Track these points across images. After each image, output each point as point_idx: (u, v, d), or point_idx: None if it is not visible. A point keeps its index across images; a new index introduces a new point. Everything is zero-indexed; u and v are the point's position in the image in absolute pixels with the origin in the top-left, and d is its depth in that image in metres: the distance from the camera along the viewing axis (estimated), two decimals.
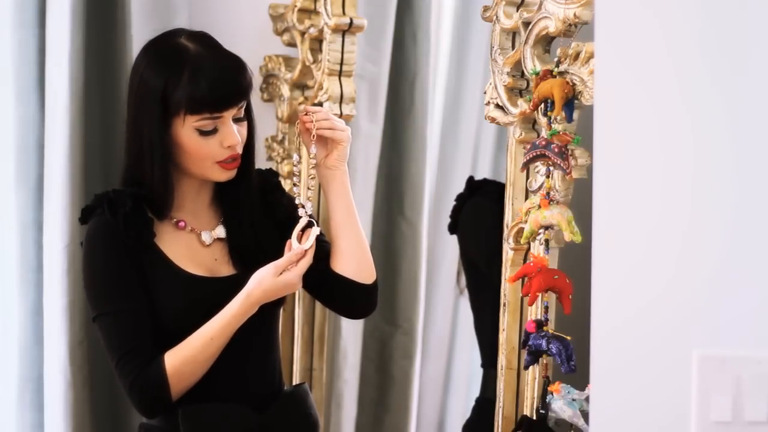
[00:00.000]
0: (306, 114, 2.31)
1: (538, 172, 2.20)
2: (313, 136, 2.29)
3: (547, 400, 2.16)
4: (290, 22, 2.93)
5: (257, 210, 2.34)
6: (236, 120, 2.25)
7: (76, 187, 2.77)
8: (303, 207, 2.29)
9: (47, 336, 2.80)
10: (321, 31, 2.81)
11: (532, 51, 2.21)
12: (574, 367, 2.08)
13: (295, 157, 2.36)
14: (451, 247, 3.18)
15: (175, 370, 2.19)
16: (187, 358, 2.20)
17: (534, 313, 2.20)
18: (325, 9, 2.78)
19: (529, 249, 2.25)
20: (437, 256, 3.28)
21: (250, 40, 2.97)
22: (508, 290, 2.28)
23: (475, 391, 2.79)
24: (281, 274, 2.22)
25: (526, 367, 2.19)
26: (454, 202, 2.78)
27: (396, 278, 3.16)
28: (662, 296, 1.63)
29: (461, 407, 3.33)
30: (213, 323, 2.21)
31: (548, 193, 2.14)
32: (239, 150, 2.26)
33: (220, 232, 2.32)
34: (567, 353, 2.09)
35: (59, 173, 2.76)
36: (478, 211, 2.69)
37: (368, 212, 3.12)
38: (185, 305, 2.24)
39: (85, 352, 2.79)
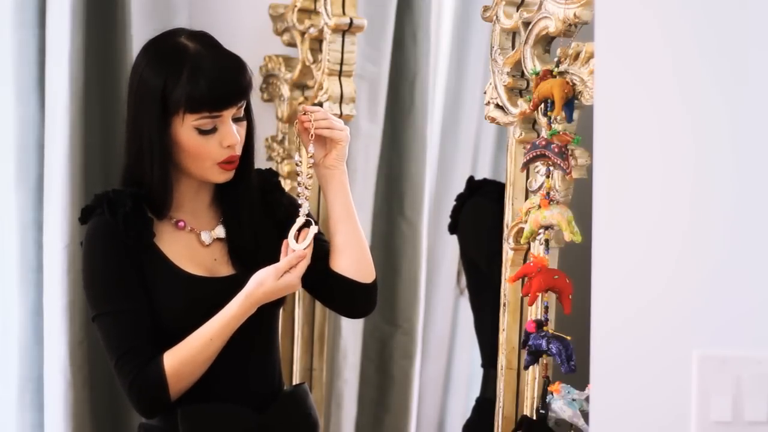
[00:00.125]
0: (304, 114, 2.31)
1: (538, 172, 2.20)
2: (312, 135, 2.29)
3: (547, 400, 2.16)
4: (290, 22, 2.93)
5: (257, 210, 2.34)
6: (236, 120, 2.25)
7: (76, 187, 2.77)
8: (300, 206, 2.29)
9: (47, 336, 2.80)
10: (321, 31, 2.81)
11: (532, 51, 2.21)
12: (574, 367, 2.08)
13: (297, 157, 2.37)
14: (451, 247, 3.18)
15: (174, 370, 2.19)
16: (186, 358, 2.20)
17: (534, 313, 2.20)
18: (325, 9, 2.78)
19: (529, 249, 2.25)
20: (437, 256, 3.28)
21: (250, 40, 2.97)
22: (508, 290, 2.28)
23: (475, 391, 2.79)
24: (282, 276, 2.23)
25: (526, 367, 2.19)
26: (454, 202, 2.78)
27: (396, 278, 3.16)
28: (662, 296, 1.63)
29: (461, 407, 3.33)
30: (212, 324, 2.21)
31: (548, 193, 2.14)
32: (238, 151, 2.26)
33: (220, 232, 2.32)
34: (567, 353, 2.09)
35: (59, 173, 2.76)
36: (479, 211, 2.69)
37: (368, 212, 3.12)
38: (185, 305, 2.24)
39: (85, 352, 2.79)
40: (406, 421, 3.20)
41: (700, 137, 1.62)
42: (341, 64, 2.78)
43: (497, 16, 2.29)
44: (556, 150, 2.08)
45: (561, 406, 2.13)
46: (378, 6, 3.06)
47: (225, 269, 2.30)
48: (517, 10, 2.26)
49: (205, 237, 2.30)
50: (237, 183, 2.30)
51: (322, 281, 2.31)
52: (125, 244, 2.22)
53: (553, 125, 2.12)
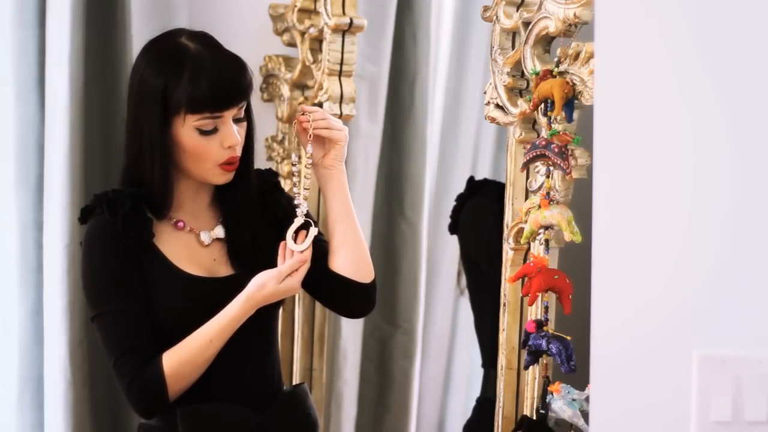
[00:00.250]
0: (303, 114, 2.31)
1: (538, 172, 2.20)
2: (310, 135, 2.29)
3: (547, 400, 2.16)
4: (290, 22, 2.93)
5: (256, 210, 2.34)
6: (236, 120, 2.25)
7: (76, 187, 2.77)
8: (298, 206, 2.30)
9: (47, 336, 2.80)
10: (321, 31, 2.81)
11: (532, 51, 2.21)
12: (574, 367, 2.08)
13: (294, 157, 2.37)
14: (451, 247, 3.18)
15: (174, 370, 2.19)
16: (185, 359, 2.19)
17: (534, 313, 2.20)
18: (325, 9, 2.78)
19: (529, 249, 2.25)
20: (437, 256, 3.28)
21: (250, 40, 2.97)
22: (508, 290, 2.28)
23: (475, 391, 2.79)
24: (283, 280, 2.23)
25: (526, 367, 2.19)
26: (455, 202, 2.78)
27: (396, 278, 3.16)
28: (662, 296, 1.63)
29: (461, 407, 3.33)
30: (212, 325, 2.21)
31: (548, 193, 2.14)
32: (239, 151, 2.26)
33: (219, 232, 2.32)
34: (567, 353, 2.09)
35: (59, 173, 2.76)
36: (479, 211, 2.69)
37: (368, 212, 3.12)
38: (184, 305, 2.24)
39: (85, 352, 2.79)
40: (406, 421, 3.20)
41: (700, 137, 1.62)
42: (341, 64, 2.78)
43: (497, 16, 2.29)
44: (556, 150, 2.08)
45: (561, 406, 2.13)
46: (378, 6, 3.06)
47: (224, 269, 2.30)
48: (517, 10, 2.26)
49: (205, 237, 2.30)
50: (236, 183, 2.30)
51: (321, 281, 2.32)
52: (124, 244, 2.22)
53: (553, 125, 2.12)
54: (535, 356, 2.15)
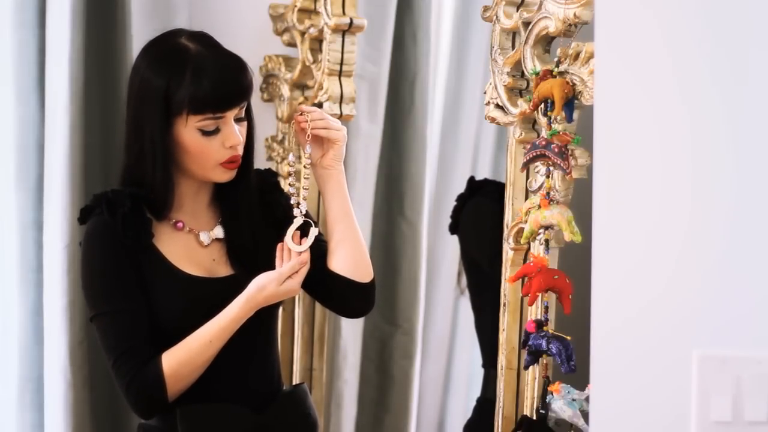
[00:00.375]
0: (301, 114, 2.31)
1: (538, 172, 2.20)
2: (308, 136, 2.30)
3: (547, 400, 2.16)
4: (290, 22, 2.93)
5: (256, 210, 2.34)
6: (237, 120, 2.25)
7: (76, 187, 2.77)
8: (297, 207, 2.30)
9: (47, 336, 2.80)
10: (321, 31, 2.81)
11: (532, 51, 2.21)
12: (574, 367, 2.08)
13: (292, 157, 2.37)
14: (451, 247, 3.18)
15: (173, 371, 2.19)
16: (184, 359, 2.19)
17: (534, 313, 2.20)
18: (325, 9, 2.78)
19: (529, 249, 2.25)
20: (437, 256, 3.28)
21: (250, 40, 2.97)
22: (508, 290, 2.28)
23: (475, 391, 2.79)
24: (284, 282, 2.23)
25: (526, 367, 2.19)
26: (455, 203, 2.78)
27: (396, 278, 3.16)
28: (662, 296, 1.63)
29: (461, 407, 3.33)
30: (212, 325, 2.21)
31: (548, 193, 2.14)
32: (240, 150, 2.26)
33: (219, 232, 2.32)
34: (567, 353, 2.09)
35: (59, 173, 2.76)
36: (480, 211, 2.69)
37: (368, 212, 3.12)
38: (183, 306, 2.24)
39: (85, 352, 2.79)
40: (406, 421, 3.20)
41: (700, 137, 1.62)
42: (341, 64, 2.77)
43: (497, 16, 2.29)
44: (556, 150, 2.08)
45: (561, 406, 2.13)
46: (378, 6, 3.06)
47: (224, 270, 2.30)
48: (517, 10, 2.26)
49: (204, 237, 2.30)
50: (236, 183, 2.30)
51: (320, 281, 2.31)
52: (124, 244, 2.22)
53: (553, 125, 2.12)
54: (535, 356, 2.15)
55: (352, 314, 2.52)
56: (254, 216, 2.33)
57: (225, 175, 2.27)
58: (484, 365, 2.73)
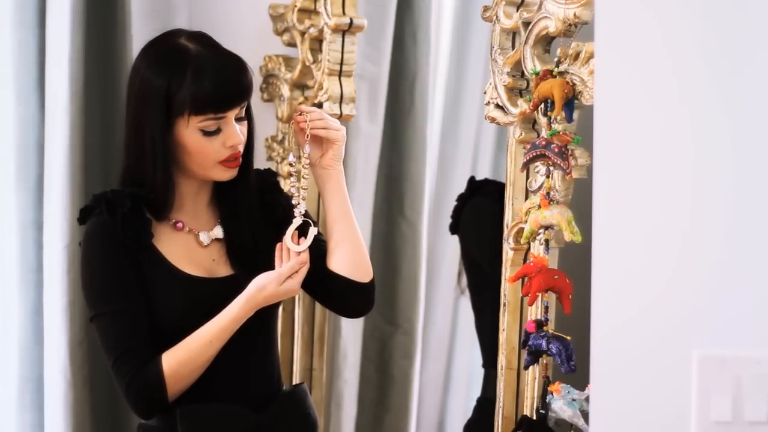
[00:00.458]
0: (300, 114, 2.31)
1: (538, 172, 2.20)
2: (307, 135, 2.30)
3: (547, 400, 2.16)
4: (290, 22, 2.93)
5: (255, 210, 2.34)
6: (237, 119, 2.25)
7: (76, 187, 2.77)
8: (296, 206, 2.30)
9: (47, 336, 2.80)
10: (321, 31, 2.81)
11: (532, 51, 2.21)
12: (574, 367, 2.08)
13: (291, 157, 2.37)
14: (451, 247, 3.18)
15: (173, 371, 2.19)
16: (184, 359, 2.19)
17: (534, 313, 2.20)
18: (325, 9, 2.78)
19: (529, 249, 2.25)
20: (437, 256, 3.28)
21: (250, 40, 2.96)
22: (508, 290, 2.28)
23: (475, 391, 2.79)
24: (284, 282, 2.23)
25: (526, 367, 2.19)
26: (456, 203, 2.78)
27: (396, 278, 3.16)
28: (662, 296, 1.63)
29: (461, 407, 3.33)
30: (212, 326, 2.21)
31: (548, 193, 2.14)
32: (240, 148, 2.26)
33: (218, 232, 2.32)
34: (567, 353, 2.09)
35: (59, 173, 2.76)
36: (480, 211, 2.69)
37: (368, 212, 3.12)
38: (183, 306, 2.24)
39: (85, 352, 2.79)
40: (406, 421, 3.20)
41: (700, 137, 1.62)
42: (341, 64, 2.77)
43: (497, 16, 2.29)
44: (556, 150, 2.08)
45: (561, 406, 2.13)
46: (378, 6, 3.06)
47: (223, 270, 2.30)
48: (517, 10, 2.26)
49: (204, 237, 2.30)
50: (236, 183, 2.30)
51: (320, 281, 2.31)
52: (123, 245, 2.22)
53: (553, 125, 2.12)
54: (535, 356, 2.15)
55: (351, 314, 2.52)
56: (254, 216, 2.33)
57: (226, 174, 2.27)
58: (484, 365, 2.73)
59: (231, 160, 2.25)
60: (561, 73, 2.12)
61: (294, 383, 2.83)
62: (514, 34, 2.29)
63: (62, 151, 2.76)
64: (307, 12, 2.89)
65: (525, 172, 2.23)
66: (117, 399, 2.82)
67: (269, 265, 2.27)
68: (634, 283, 1.64)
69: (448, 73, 3.28)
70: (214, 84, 2.19)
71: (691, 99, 1.62)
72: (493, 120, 2.31)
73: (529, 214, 2.16)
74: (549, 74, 2.13)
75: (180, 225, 2.29)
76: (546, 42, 2.21)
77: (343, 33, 2.77)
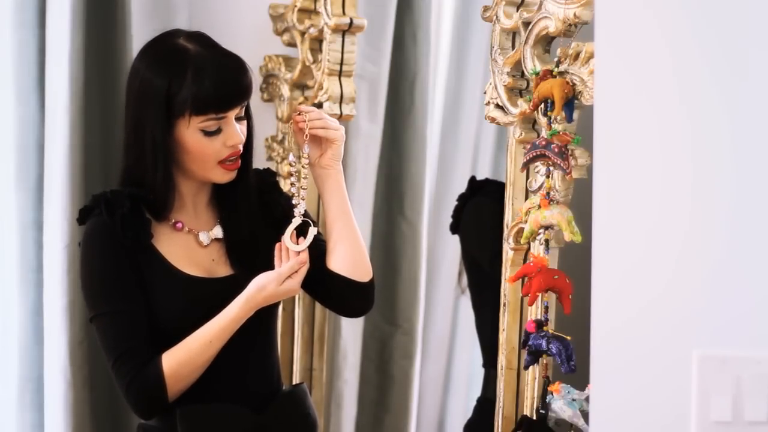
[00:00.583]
0: (299, 114, 2.31)
1: (538, 172, 2.20)
2: (306, 135, 2.30)
3: (547, 400, 2.16)
4: (290, 22, 2.93)
5: (255, 210, 2.34)
6: (237, 119, 2.25)
7: (76, 187, 2.77)
8: (296, 206, 2.30)
9: (47, 336, 2.80)
10: (321, 31, 2.81)
11: (532, 51, 2.21)
12: (574, 367, 2.08)
13: (291, 157, 2.36)
14: (451, 247, 3.18)
15: (173, 371, 2.19)
16: (184, 359, 2.19)
17: (534, 313, 2.20)
18: (325, 9, 2.78)
19: (529, 249, 2.25)
20: (437, 256, 3.28)
21: (250, 40, 2.97)
22: (508, 290, 2.28)
23: (475, 391, 2.79)
24: (284, 282, 2.23)
25: (526, 367, 2.19)
26: (456, 202, 2.78)
27: (396, 278, 3.16)
28: (662, 296, 1.63)
29: (461, 407, 3.33)
30: (212, 326, 2.21)
31: (548, 193, 2.14)
32: (240, 147, 2.26)
33: (218, 232, 2.32)
34: (567, 353, 2.09)
35: (59, 173, 2.76)
36: (481, 210, 2.69)
37: (368, 212, 3.12)
38: (183, 306, 2.24)
39: (85, 352, 2.79)
40: (406, 421, 3.20)
41: (700, 137, 1.62)
42: (341, 64, 2.77)
43: (497, 16, 2.29)
44: (556, 150, 2.08)
45: (561, 406, 2.13)
46: (378, 6, 3.06)
47: (223, 270, 2.30)
48: (517, 10, 2.26)
49: (203, 237, 2.30)
50: (235, 183, 2.30)
51: (320, 280, 2.31)
52: (123, 245, 2.22)
53: (553, 125, 2.12)
54: (535, 356, 2.15)
55: (351, 314, 2.52)
56: (253, 216, 2.33)
57: (225, 176, 2.27)
58: (484, 365, 2.73)
59: (231, 160, 2.25)
60: (561, 73, 2.12)
61: (294, 383, 2.83)
62: (514, 34, 2.29)
63: (62, 151, 2.76)
64: (307, 12, 2.89)
65: (525, 172, 2.23)
66: (117, 399, 2.82)
67: (269, 265, 2.27)
68: (634, 283, 1.64)
69: (448, 73, 3.28)
70: (215, 84, 2.19)
71: (691, 99, 1.62)
72: (493, 120, 2.31)
73: (529, 214, 2.16)
74: (549, 74, 2.13)
75: (179, 225, 2.29)
76: (546, 42, 2.21)
77: (343, 33, 2.77)
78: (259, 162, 2.63)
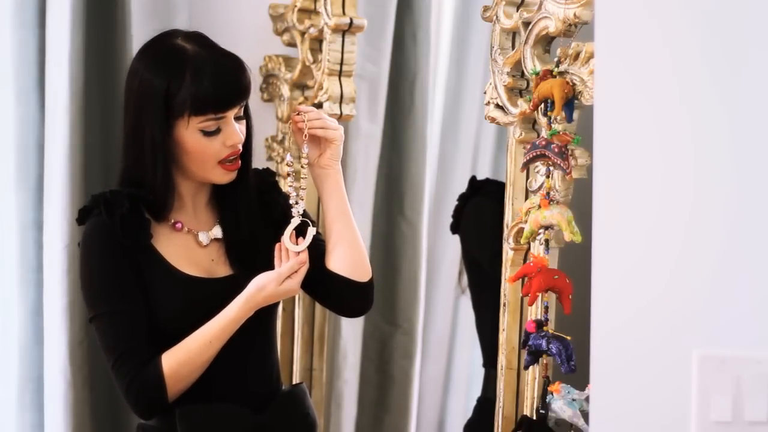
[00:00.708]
0: (297, 114, 2.31)
1: (538, 172, 2.20)
2: (305, 135, 2.30)
3: (547, 400, 2.16)
4: (290, 22, 2.93)
5: (254, 210, 2.34)
6: (236, 119, 2.25)
7: (76, 187, 2.77)
8: (295, 206, 2.30)
9: (47, 336, 2.80)
10: (321, 31, 2.81)
11: (532, 51, 2.21)
12: (574, 367, 2.08)
13: (289, 157, 2.36)
14: (451, 247, 3.18)
15: (173, 371, 2.19)
16: (184, 359, 2.19)
17: (534, 313, 2.20)
18: (325, 9, 2.78)
19: (529, 249, 2.25)
20: (437, 256, 3.28)
21: (250, 40, 2.97)
22: (508, 290, 2.28)
23: (475, 391, 2.79)
24: (283, 282, 2.23)
25: (526, 367, 2.19)
26: (457, 202, 2.78)
27: (396, 278, 3.16)
28: (662, 296, 1.63)
29: (461, 407, 3.33)
30: (211, 326, 2.21)
31: (548, 193, 2.14)
32: (239, 146, 2.26)
33: (217, 232, 2.32)
34: (567, 353, 2.09)
35: (59, 173, 2.76)
36: (481, 210, 2.69)
37: (368, 212, 3.12)
38: (182, 306, 2.24)
39: (85, 352, 2.79)
40: (406, 421, 3.20)
41: (700, 137, 1.62)
42: (341, 64, 2.78)
43: (497, 16, 2.29)
44: (556, 150, 2.08)
45: (561, 406, 2.13)
46: (378, 6, 3.06)
47: (223, 270, 2.30)
48: (517, 10, 2.26)
49: (203, 238, 2.30)
50: (235, 183, 2.30)
51: (319, 281, 2.31)
52: (122, 245, 2.22)
53: (553, 125, 2.12)
54: (535, 356, 2.15)
55: (350, 314, 2.52)
56: (253, 216, 2.33)
57: (225, 177, 2.27)
58: (484, 365, 2.73)
59: (231, 160, 2.25)
60: (561, 73, 2.12)
61: (293, 383, 2.83)
62: (514, 34, 2.29)
63: (62, 151, 2.76)
64: (307, 12, 2.89)
65: (525, 172, 2.23)
66: (117, 399, 2.82)
67: (268, 265, 2.27)
68: (634, 283, 1.64)
69: (448, 73, 3.28)
70: (214, 84, 2.19)
71: (691, 99, 1.62)
72: (493, 120, 2.31)
73: (529, 214, 2.16)
74: (549, 74, 2.13)
75: (179, 225, 2.29)
76: (546, 42, 2.21)
77: (343, 33, 2.77)
78: (259, 162, 2.63)
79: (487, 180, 2.80)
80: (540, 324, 2.14)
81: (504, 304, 2.29)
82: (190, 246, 2.29)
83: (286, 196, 2.36)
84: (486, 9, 2.31)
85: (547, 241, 2.16)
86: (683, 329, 1.62)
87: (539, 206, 2.14)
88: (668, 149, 1.63)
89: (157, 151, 2.21)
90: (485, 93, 2.32)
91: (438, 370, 3.37)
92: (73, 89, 2.77)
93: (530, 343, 2.14)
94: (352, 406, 3.16)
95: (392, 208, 3.17)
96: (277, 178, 2.48)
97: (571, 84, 2.10)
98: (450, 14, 3.28)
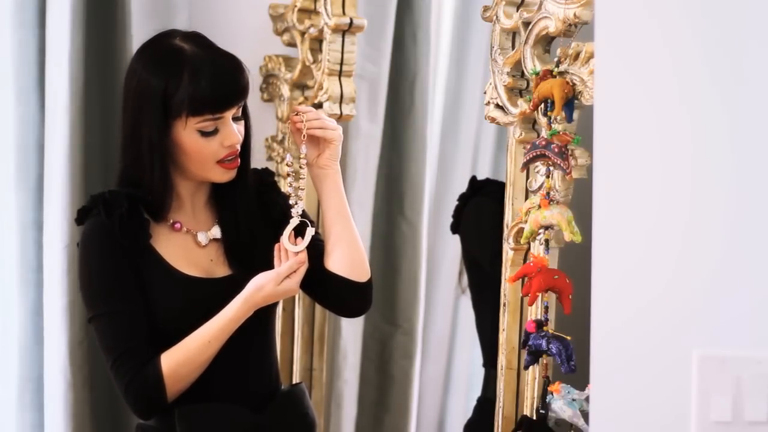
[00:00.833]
0: (296, 114, 2.31)
1: (538, 172, 2.20)
2: (304, 135, 2.30)
3: (547, 400, 2.16)
4: (290, 22, 2.93)
5: (253, 210, 2.34)
6: (234, 119, 2.25)
7: (76, 187, 2.77)
8: (294, 206, 2.30)
9: (47, 336, 2.80)
10: (321, 31, 2.81)
11: (532, 51, 2.21)
12: (574, 367, 2.08)
13: (288, 157, 2.36)
14: (451, 247, 3.18)
15: (172, 371, 2.19)
16: (183, 360, 2.19)
17: (534, 313, 2.20)
18: (325, 9, 2.78)
19: (529, 249, 2.25)
20: (437, 256, 3.28)
21: (250, 40, 2.97)
22: (508, 290, 2.28)
23: (475, 391, 2.79)
24: (282, 282, 2.23)
25: (526, 367, 2.19)
26: (457, 202, 2.78)
27: (396, 278, 3.16)
28: (662, 296, 1.63)
29: (461, 407, 3.33)
30: (211, 326, 2.21)
31: (548, 193, 2.14)
32: (238, 146, 2.26)
33: (216, 232, 2.32)
34: (567, 353, 2.09)
35: (59, 173, 2.76)
36: (481, 210, 2.69)
37: (368, 212, 3.12)
38: (182, 306, 2.24)
39: (85, 352, 2.79)
40: (406, 421, 3.20)
41: (700, 137, 1.62)
42: (341, 64, 2.78)
43: (497, 16, 2.29)
44: (556, 150, 2.08)
45: (561, 406, 2.13)
46: (378, 6, 3.06)
47: (221, 270, 2.30)
48: (517, 10, 2.26)
49: (202, 238, 2.30)
50: (233, 183, 2.30)
51: (318, 281, 2.31)
52: (121, 245, 2.22)
53: (553, 125, 2.12)
54: (535, 356, 2.15)
55: (349, 314, 2.52)
56: (252, 215, 2.33)
57: (224, 176, 2.27)
58: (484, 365, 2.73)
59: (229, 159, 2.25)
60: (561, 73, 2.12)
61: (293, 383, 2.83)
62: (514, 34, 2.28)
63: (62, 151, 2.76)
64: (307, 12, 2.89)
65: (525, 172, 2.23)
66: (117, 399, 2.81)
67: (268, 265, 2.27)
68: (634, 283, 1.64)
69: (448, 73, 3.28)
70: (212, 84, 2.19)
71: (691, 99, 1.62)
72: (493, 120, 2.31)
73: (529, 214, 2.16)
74: (549, 74, 2.13)
75: (178, 225, 2.29)
76: (546, 42, 2.21)
77: (343, 33, 2.77)
78: (259, 162, 2.63)
79: (488, 180, 2.80)
80: (540, 324, 2.14)
81: (504, 304, 2.29)
82: (189, 246, 2.29)
83: (285, 197, 2.36)
84: (486, 9, 2.31)
85: (547, 241, 2.16)
86: (683, 329, 1.63)
87: (539, 206, 2.14)
88: (668, 149, 1.63)
89: (155, 151, 2.21)
90: (485, 93, 2.32)
91: (438, 370, 3.36)
92: (73, 89, 2.77)
93: (530, 343, 2.14)
94: (352, 406, 3.16)
95: (392, 208, 3.17)
96: (276, 178, 2.48)
97: (571, 84, 2.10)
98: (450, 14, 3.28)
